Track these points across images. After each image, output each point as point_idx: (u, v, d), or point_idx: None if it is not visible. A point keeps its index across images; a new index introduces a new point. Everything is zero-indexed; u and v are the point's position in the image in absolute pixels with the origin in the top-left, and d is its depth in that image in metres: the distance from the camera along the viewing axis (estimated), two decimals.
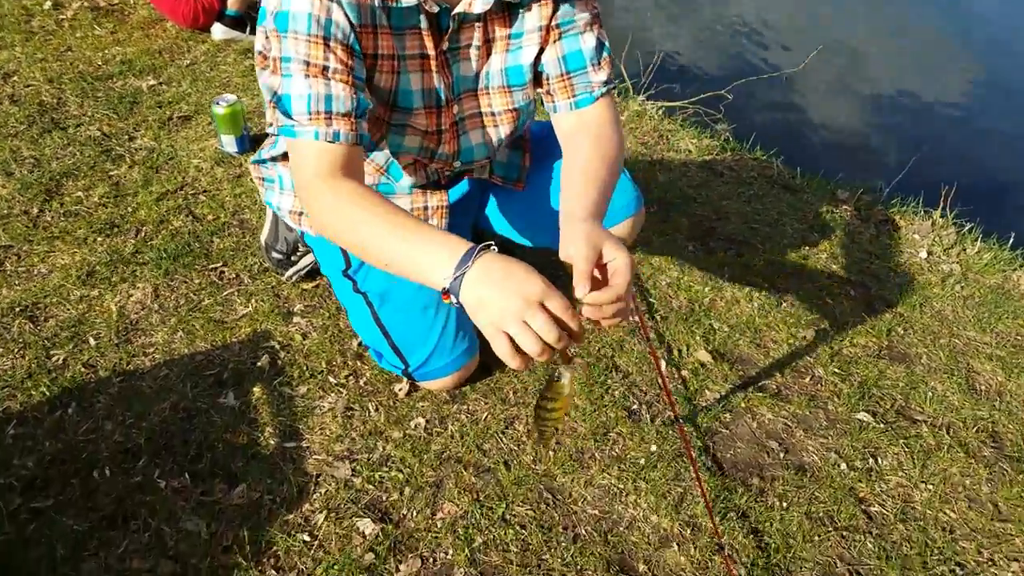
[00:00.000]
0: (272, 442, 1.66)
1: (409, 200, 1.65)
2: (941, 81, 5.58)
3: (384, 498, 1.59)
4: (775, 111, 4.58)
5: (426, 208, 1.65)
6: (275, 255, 2.00)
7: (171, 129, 2.54)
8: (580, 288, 1.08)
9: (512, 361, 1.01)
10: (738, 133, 3.53)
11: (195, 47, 3.03)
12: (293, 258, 2.00)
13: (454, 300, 1.06)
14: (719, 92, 3.99)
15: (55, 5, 3.14)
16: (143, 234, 2.11)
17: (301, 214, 1.70)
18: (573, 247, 1.12)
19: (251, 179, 2.35)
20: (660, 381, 1.88)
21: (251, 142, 2.48)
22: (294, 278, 2.02)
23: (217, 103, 2.38)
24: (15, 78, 2.67)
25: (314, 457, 1.64)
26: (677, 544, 1.59)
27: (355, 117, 1.25)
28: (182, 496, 1.53)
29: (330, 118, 1.23)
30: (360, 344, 1.88)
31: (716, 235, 2.55)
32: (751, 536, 1.62)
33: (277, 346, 1.86)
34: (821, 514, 1.69)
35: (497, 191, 1.80)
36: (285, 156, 1.65)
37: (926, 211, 2.97)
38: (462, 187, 1.73)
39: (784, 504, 1.70)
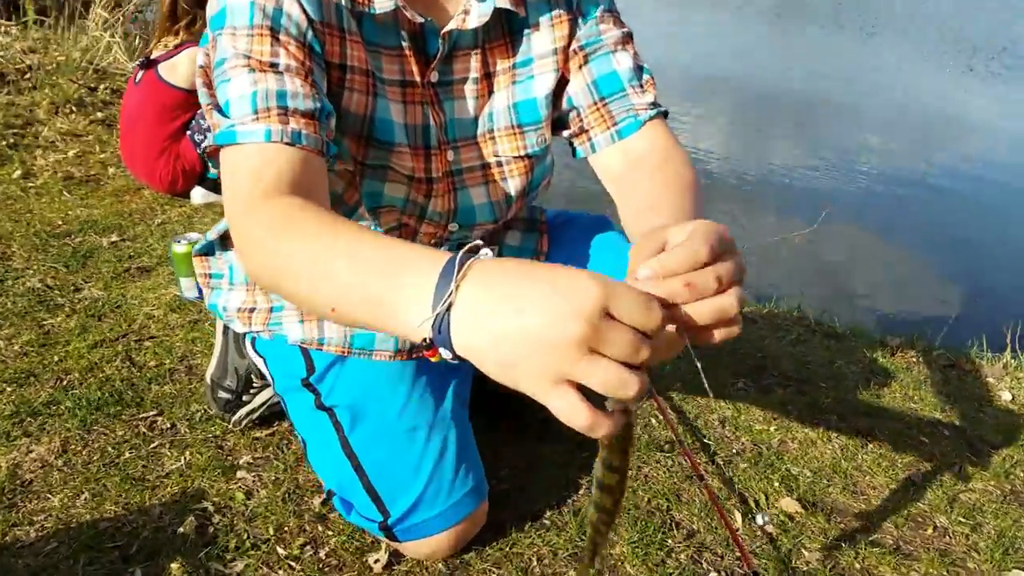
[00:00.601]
0: None
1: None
2: (959, 226, 5.41)
3: None
4: (793, 273, 4.30)
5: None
6: (222, 394, 1.57)
7: (125, 280, 2.19)
8: (640, 270, 0.65)
9: (584, 419, 0.59)
10: (759, 294, 3.21)
11: (171, 209, 2.77)
12: (245, 397, 1.57)
13: (444, 354, 0.64)
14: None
15: (25, 174, 2.93)
16: (65, 382, 1.69)
17: (252, 311, 1.30)
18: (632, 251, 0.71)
19: (208, 324, 1.97)
20: (731, 537, 1.37)
21: None
22: (244, 422, 1.58)
23: (177, 241, 2.05)
24: None
25: None
26: None
27: (317, 119, 0.91)
28: None
29: (285, 114, 0.89)
30: (324, 502, 1.40)
31: (768, 373, 2.11)
32: None
33: (211, 508, 1.38)
34: None
35: None
36: None
37: (994, 355, 2.59)
38: None
39: None
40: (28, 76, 3.75)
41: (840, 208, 5.58)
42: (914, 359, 2.34)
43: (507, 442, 1.63)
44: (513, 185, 1.21)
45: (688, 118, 8.03)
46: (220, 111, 0.92)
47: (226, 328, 1.59)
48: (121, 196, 2.85)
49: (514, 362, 0.58)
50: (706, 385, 0.79)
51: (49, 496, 1.37)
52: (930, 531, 1.53)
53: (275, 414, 1.61)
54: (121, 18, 5.15)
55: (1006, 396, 2.19)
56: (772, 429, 1.82)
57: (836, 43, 17.27)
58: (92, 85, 3.83)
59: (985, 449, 1.85)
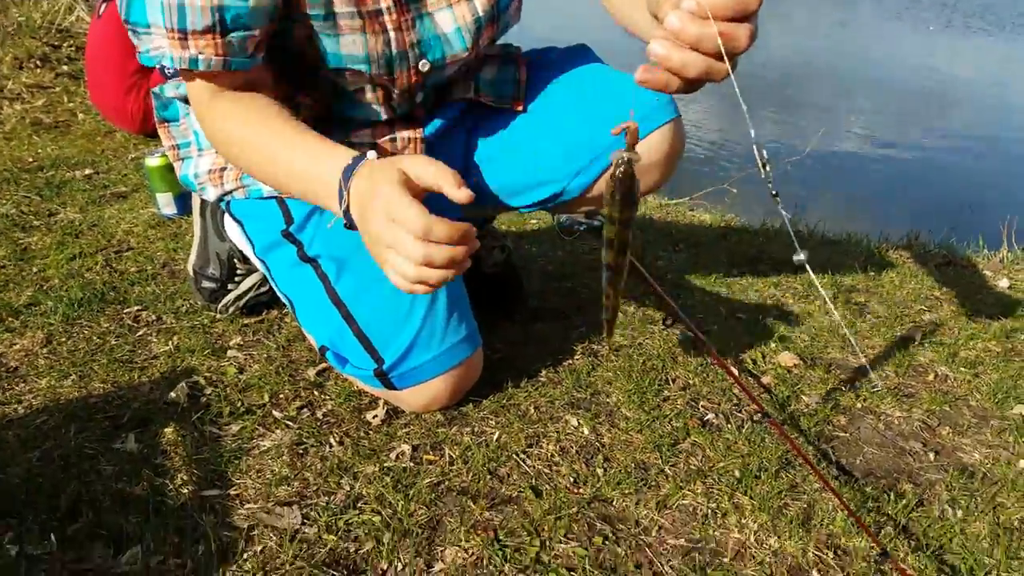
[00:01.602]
0: (185, 491, 1.11)
1: (370, 132, 1.22)
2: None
3: (353, 550, 1.02)
4: (785, 195, 4.29)
5: (394, 141, 1.22)
6: (206, 284, 1.53)
7: (102, 204, 2.14)
8: (667, 6, 0.65)
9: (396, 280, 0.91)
10: (752, 213, 3.20)
11: (143, 147, 2.71)
12: (230, 285, 1.53)
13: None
14: (722, 186, 3.69)
15: None
16: (45, 287, 1.64)
17: (223, 170, 1.26)
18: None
19: (189, 236, 1.93)
20: (734, 381, 1.35)
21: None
22: (231, 308, 1.54)
23: (151, 155, 2.01)
24: None
25: (246, 506, 1.09)
26: (817, 572, 1.00)
27: (220, 34, 0.97)
28: (44, 568, 0.97)
29: (185, 37, 0.99)
30: (319, 372, 1.37)
31: (763, 261, 2.10)
32: (923, 555, 1.04)
33: (203, 381, 1.34)
34: (1016, 523, 1.12)
35: (488, 124, 1.36)
36: None
37: (991, 252, 2.60)
38: (442, 118, 1.31)
39: (959, 513, 1.13)
40: None
41: (829, 149, 5.60)
42: (910, 257, 2.34)
43: (502, 321, 1.61)
44: (480, 4, 1.15)
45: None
46: (130, 9, 1.09)
47: (203, 211, 1.54)
48: (92, 138, 2.79)
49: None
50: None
51: (36, 380, 1.33)
52: (931, 378, 1.52)
53: (263, 303, 1.57)
54: None
55: (1004, 283, 2.18)
56: (768, 303, 1.80)
57: (813, 6, 17.26)
58: (55, 43, 3.74)
59: (984, 320, 1.84)
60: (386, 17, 1.10)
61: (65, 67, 3.46)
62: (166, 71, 2.65)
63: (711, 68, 0.66)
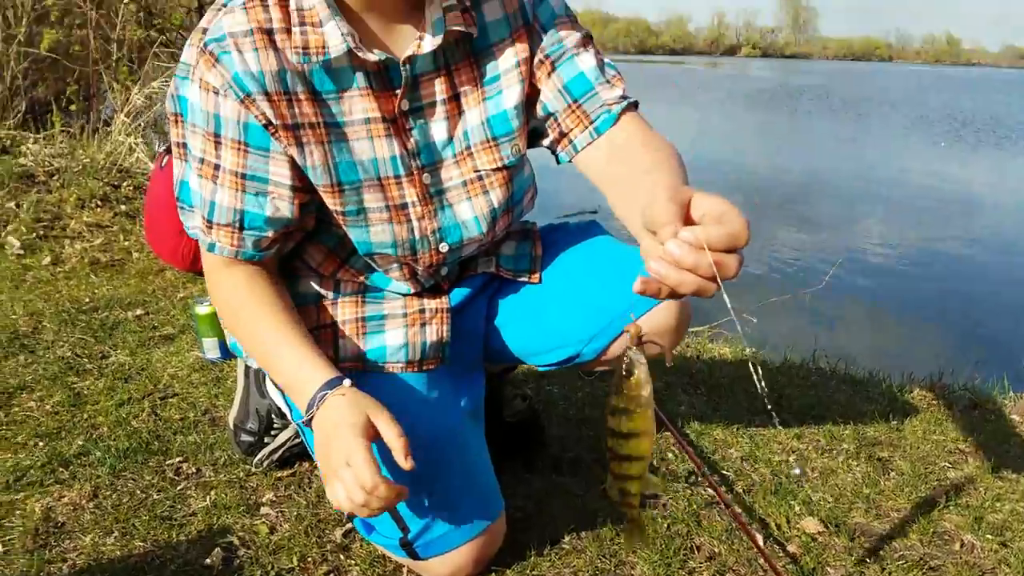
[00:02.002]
0: None
1: (402, 304, 1.31)
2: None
3: None
4: (803, 329, 4.32)
5: (423, 311, 1.31)
6: (245, 437, 1.60)
7: (150, 347, 2.26)
8: (667, 230, 0.75)
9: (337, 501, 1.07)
10: (772, 346, 3.24)
11: (192, 286, 2.86)
12: (266, 439, 1.60)
13: None
14: (743, 315, 3.75)
15: (54, 261, 3.04)
16: (94, 436, 1.73)
17: None
18: (649, 204, 0.79)
19: (230, 381, 2.02)
20: (759, 552, 1.37)
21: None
22: (266, 462, 1.60)
23: (200, 302, 2.13)
24: None
25: None
26: None
27: (239, 230, 1.16)
28: None
29: (210, 226, 1.17)
30: (345, 534, 1.42)
31: (784, 410, 2.12)
32: None
33: (236, 542, 1.39)
34: None
35: (508, 293, 1.45)
36: None
37: (1016, 393, 2.59)
38: (466, 287, 1.40)
39: None
40: (56, 177, 3.92)
41: (848, 272, 5.65)
42: (935, 400, 2.34)
43: (523, 472, 1.65)
44: (495, 197, 1.26)
45: None
46: (181, 187, 1.24)
47: (247, 371, 1.64)
48: (145, 276, 2.95)
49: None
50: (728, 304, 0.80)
51: (81, 536, 1.40)
52: (957, 547, 1.52)
53: (296, 455, 1.64)
54: (142, 124, 5.41)
55: None
56: (791, 460, 1.82)
57: (827, 127, 17.68)
58: (116, 183, 4.00)
59: (1011, 475, 1.83)
60: (411, 210, 1.21)
61: (123, 207, 3.69)
62: None
63: (702, 287, 0.75)
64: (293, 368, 1.16)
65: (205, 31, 1.10)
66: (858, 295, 5.29)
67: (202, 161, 1.13)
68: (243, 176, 1.13)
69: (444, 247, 1.26)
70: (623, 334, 1.36)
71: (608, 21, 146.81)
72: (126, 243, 3.32)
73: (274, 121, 1.09)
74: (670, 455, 1.79)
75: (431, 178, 1.22)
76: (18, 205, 3.52)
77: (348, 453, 1.04)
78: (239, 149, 1.11)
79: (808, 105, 24.60)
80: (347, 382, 1.13)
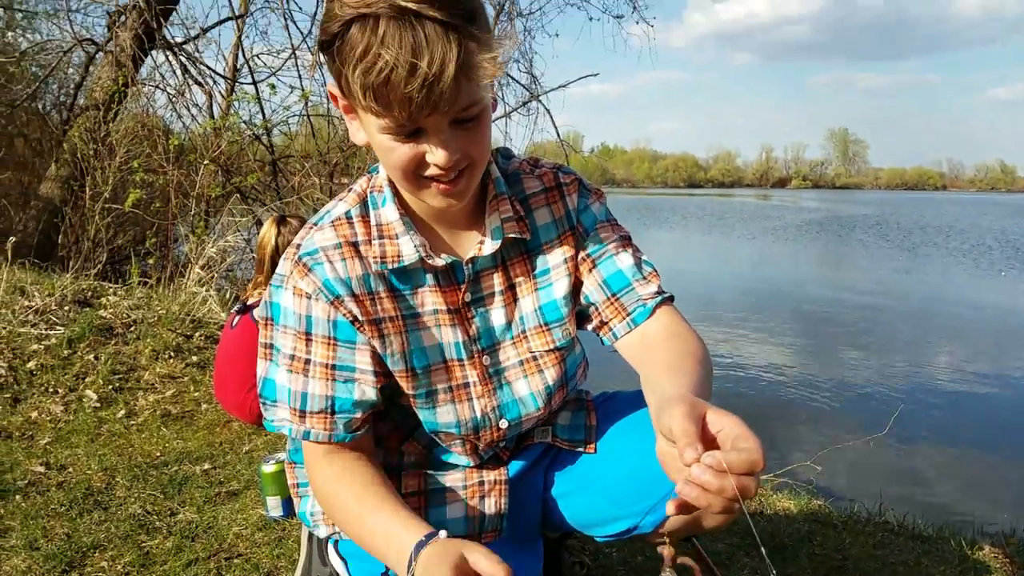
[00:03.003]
0: None
1: (463, 476, 1.39)
2: None
3: None
4: (868, 475, 4.21)
5: (482, 484, 1.38)
6: None
7: (216, 503, 2.35)
8: (689, 452, 0.83)
9: None
10: (835, 496, 3.19)
11: (256, 438, 2.98)
12: None
13: None
14: (805, 463, 3.71)
15: (128, 414, 3.20)
16: None
17: None
18: (667, 414, 0.88)
19: (292, 541, 2.08)
20: None
21: None
22: None
23: (266, 461, 2.22)
24: (70, 469, 2.59)
25: None
26: None
27: (330, 414, 1.23)
28: None
29: (304, 416, 1.24)
30: None
31: (848, 573, 2.09)
32: None
33: None
34: None
35: (564, 463, 1.51)
36: None
37: None
38: (523, 459, 1.47)
39: None
40: (132, 328, 4.17)
41: (913, 413, 5.53)
42: (1006, 557, 2.28)
43: None
44: (550, 375, 1.36)
45: (753, 334, 8.20)
46: (264, 385, 1.27)
47: (310, 538, 1.70)
48: (212, 429, 3.08)
49: None
50: None
51: None
52: None
53: None
54: (215, 275, 5.73)
55: None
56: None
57: (883, 255, 17.63)
58: (188, 333, 4.22)
59: None
60: (472, 389, 1.31)
61: (194, 357, 3.89)
62: None
63: (727, 507, 0.84)
64: (389, 534, 1.16)
65: (299, 247, 1.25)
66: (926, 434, 5.17)
67: (292, 358, 1.24)
68: (333, 367, 1.24)
69: (504, 423, 1.35)
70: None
71: (657, 158, 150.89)
72: (196, 394, 3.48)
73: (360, 318, 1.22)
74: None
75: (490, 359, 1.33)
76: (96, 358, 3.73)
77: None
78: (329, 343, 1.23)
79: (862, 235, 24.63)
80: (443, 533, 1.13)
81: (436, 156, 1.10)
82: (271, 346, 1.26)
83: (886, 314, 10.15)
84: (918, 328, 9.19)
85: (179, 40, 7.81)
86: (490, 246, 1.27)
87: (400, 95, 1.00)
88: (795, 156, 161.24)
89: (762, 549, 0.95)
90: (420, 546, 1.10)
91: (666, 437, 0.88)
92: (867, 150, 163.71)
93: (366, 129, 1.14)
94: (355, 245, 1.24)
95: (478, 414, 1.32)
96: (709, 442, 0.88)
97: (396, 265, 1.23)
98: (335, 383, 1.23)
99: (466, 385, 1.32)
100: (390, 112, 1.04)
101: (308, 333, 1.22)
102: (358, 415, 1.26)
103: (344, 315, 1.22)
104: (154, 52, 7.69)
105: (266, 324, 1.26)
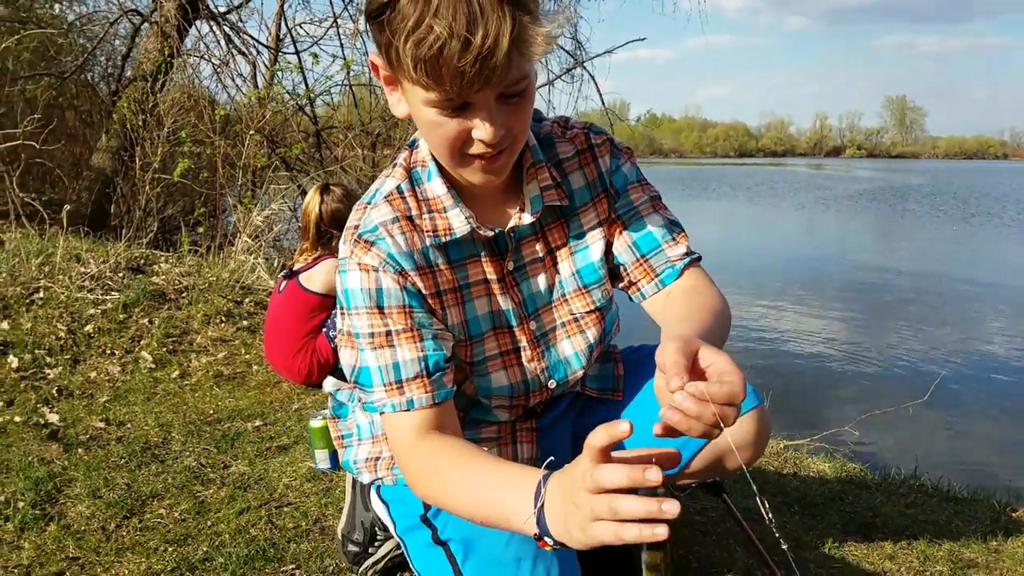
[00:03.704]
0: None
1: (497, 429, 1.45)
2: None
3: None
4: (907, 442, 4.20)
5: (514, 432, 1.45)
6: (351, 548, 1.74)
7: (267, 457, 2.45)
8: (675, 380, 0.89)
9: (651, 533, 0.84)
10: (873, 463, 3.19)
11: (306, 397, 3.09)
12: (371, 549, 1.73)
13: (549, 542, 0.97)
14: (844, 428, 3.71)
15: (182, 374, 3.33)
16: (217, 543, 1.90)
17: (378, 459, 1.51)
18: (662, 349, 0.93)
19: (339, 491, 2.18)
20: None
21: None
22: (370, 573, 1.73)
23: (314, 417, 2.31)
24: (128, 425, 2.72)
25: None
26: None
27: (428, 376, 1.21)
28: None
29: (401, 386, 1.21)
30: None
31: (878, 529, 2.11)
32: None
33: None
34: None
35: (593, 410, 1.57)
36: None
37: None
38: (554, 408, 1.53)
39: None
40: (184, 294, 4.31)
41: (957, 381, 5.47)
42: None
43: None
44: (592, 334, 1.41)
45: (799, 304, 8.16)
46: (359, 376, 1.24)
47: (354, 486, 1.79)
48: (263, 388, 3.20)
49: (573, 536, 0.91)
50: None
51: None
52: None
53: (396, 566, 1.76)
54: (263, 244, 5.86)
55: None
56: None
57: (938, 226, 17.24)
58: (238, 299, 4.35)
59: None
60: (522, 354, 1.38)
61: (245, 322, 4.01)
62: (332, 343, 3.06)
63: (707, 433, 0.90)
64: (507, 477, 1.06)
65: (356, 227, 1.27)
66: (969, 404, 5.12)
67: (372, 335, 1.23)
68: (416, 328, 1.23)
69: (552, 384, 1.42)
70: (703, 448, 1.46)
71: (706, 126, 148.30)
72: (247, 356, 3.60)
73: (424, 291, 1.26)
74: (759, 575, 1.81)
75: (535, 324, 1.39)
76: (151, 321, 3.88)
77: (586, 485, 0.88)
78: (404, 311, 1.23)
79: (916, 205, 24.07)
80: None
81: (483, 132, 1.09)
82: (351, 333, 1.25)
83: (935, 284, 9.98)
84: (966, 299, 9.02)
85: (222, 10, 7.92)
86: (529, 216, 1.30)
87: (452, 68, 0.98)
88: (850, 124, 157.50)
89: (753, 486, 1.01)
90: (545, 479, 0.99)
91: (661, 370, 0.93)
92: (925, 118, 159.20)
93: (409, 102, 1.13)
94: (410, 219, 1.26)
95: (529, 377, 1.39)
96: (700, 375, 0.93)
97: (449, 238, 1.26)
98: (423, 342, 1.22)
99: (517, 350, 1.38)
100: (440, 86, 1.01)
101: (380, 307, 1.22)
102: (450, 372, 1.25)
103: (412, 285, 1.24)
104: (198, 22, 7.82)
105: (342, 314, 1.27)
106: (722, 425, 0.89)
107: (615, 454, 0.91)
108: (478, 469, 1.11)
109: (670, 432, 0.92)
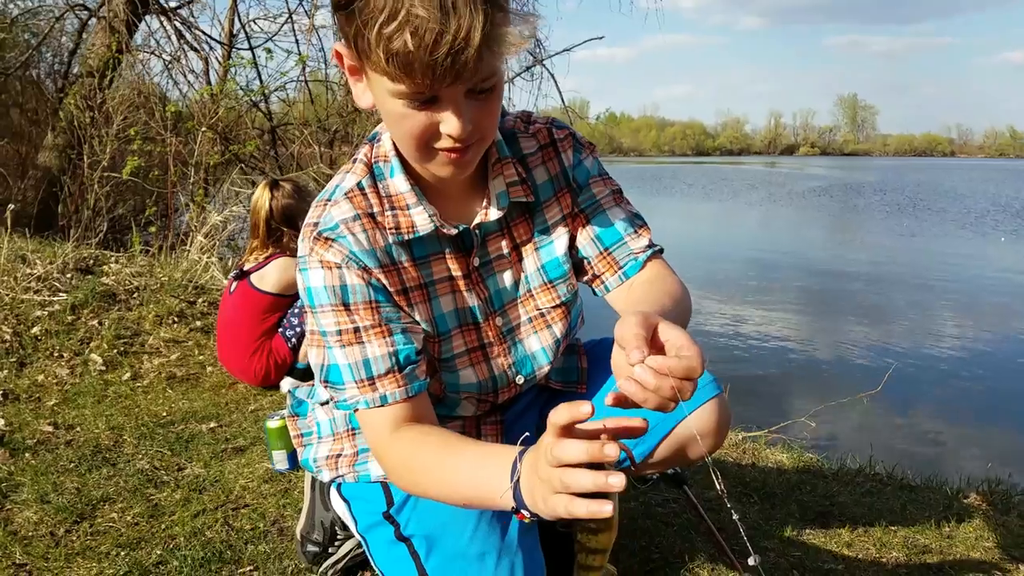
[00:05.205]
0: None
1: (461, 424, 1.44)
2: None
3: None
4: (861, 432, 4.29)
5: (479, 425, 1.45)
6: (310, 548, 1.71)
7: (223, 459, 2.40)
8: (635, 354, 0.89)
9: (598, 508, 0.87)
10: (828, 452, 3.24)
11: (262, 398, 3.03)
12: (331, 549, 1.70)
13: (526, 514, 1.00)
14: (800, 420, 3.77)
15: (134, 376, 3.25)
16: (171, 546, 1.86)
17: (338, 457, 1.48)
18: (620, 323, 0.94)
19: (297, 492, 2.14)
20: None
21: None
22: (330, 572, 1.70)
23: (271, 417, 2.27)
24: (77, 428, 2.65)
25: None
26: None
27: (399, 371, 1.20)
28: None
29: (373, 382, 1.20)
30: None
31: (835, 518, 2.14)
32: None
33: None
34: None
35: (557, 402, 1.56)
36: (326, 402, 1.51)
37: None
38: (520, 403, 1.52)
39: None
40: (135, 295, 4.21)
41: (909, 373, 5.59)
42: (990, 506, 2.33)
43: None
44: (558, 329, 1.40)
45: (754, 298, 8.26)
46: (328, 374, 1.22)
47: (313, 485, 1.76)
48: (218, 390, 3.13)
49: (545, 504, 0.93)
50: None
51: None
52: None
53: (357, 565, 1.73)
54: (216, 243, 5.76)
55: None
56: (840, 567, 1.84)
57: (888, 222, 17.62)
58: (191, 299, 4.26)
59: None
60: (488, 350, 1.37)
61: (198, 322, 3.93)
62: (288, 343, 3.02)
63: (663, 405, 0.91)
64: (486, 457, 1.08)
65: (316, 224, 1.23)
66: (921, 394, 5.24)
67: (340, 332, 1.20)
68: (385, 322, 1.21)
69: (520, 379, 1.41)
70: (666, 438, 1.47)
71: (664, 125, 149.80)
72: (200, 357, 3.53)
73: (389, 288, 1.24)
74: (721, 566, 1.82)
75: (502, 320, 1.38)
76: (100, 323, 3.78)
77: (548, 459, 0.91)
78: (370, 306, 1.21)
79: (868, 201, 24.59)
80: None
81: (450, 126, 1.07)
82: (317, 332, 1.22)
83: (886, 279, 10.20)
84: (916, 293, 9.23)
85: (173, 5, 7.77)
86: (496, 212, 1.29)
87: (424, 62, 0.97)
88: (804, 123, 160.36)
89: (715, 474, 1.02)
90: (521, 455, 1.02)
91: (619, 345, 0.92)
92: (876, 116, 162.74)
93: (375, 92, 1.10)
94: (372, 216, 1.24)
95: (496, 373, 1.38)
96: (659, 350, 0.93)
97: (412, 236, 1.24)
98: (392, 336, 1.21)
99: (484, 347, 1.37)
100: (411, 78, 1.00)
101: (346, 304, 1.20)
102: (422, 364, 1.24)
103: (377, 282, 1.22)
104: (148, 17, 7.66)
105: (308, 312, 1.23)
106: (679, 398, 0.90)
107: (579, 426, 0.92)
108: (458, 454, 1.12)
109: (624, 403, 0.93)
